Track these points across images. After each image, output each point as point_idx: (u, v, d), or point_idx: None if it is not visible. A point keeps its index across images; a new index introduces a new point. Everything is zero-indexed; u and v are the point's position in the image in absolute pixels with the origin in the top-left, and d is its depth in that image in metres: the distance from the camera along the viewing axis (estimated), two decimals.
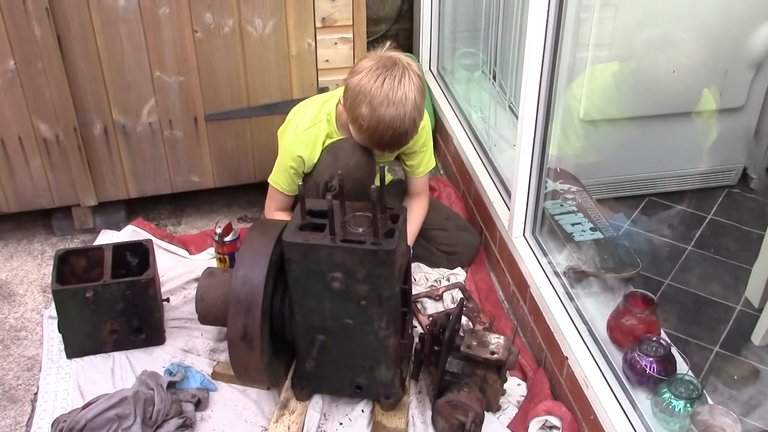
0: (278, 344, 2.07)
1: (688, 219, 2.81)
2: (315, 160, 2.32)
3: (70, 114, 2.50)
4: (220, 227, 2.47)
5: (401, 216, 1.94)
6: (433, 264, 2.57)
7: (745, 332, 2.29)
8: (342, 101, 2.21)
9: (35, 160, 2.57)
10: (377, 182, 1.92)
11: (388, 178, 2.72)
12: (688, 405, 1.78)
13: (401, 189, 2.62)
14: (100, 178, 2.67)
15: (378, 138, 2.14)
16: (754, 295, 2.37)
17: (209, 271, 2.15)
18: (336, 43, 2.66)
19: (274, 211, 2.42)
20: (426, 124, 2.40)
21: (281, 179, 2.38)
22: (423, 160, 2.46)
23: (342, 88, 2.23)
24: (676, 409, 1.78)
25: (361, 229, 1.89)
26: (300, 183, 1.92)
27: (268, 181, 2.41)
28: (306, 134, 2.31)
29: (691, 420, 1.73)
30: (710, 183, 2.91)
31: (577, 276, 2.23)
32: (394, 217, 1.94)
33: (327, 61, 2.68)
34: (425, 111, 2.33)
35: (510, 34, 2.81)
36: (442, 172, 3.15)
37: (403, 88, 2.10)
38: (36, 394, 2.18)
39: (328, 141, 2.32)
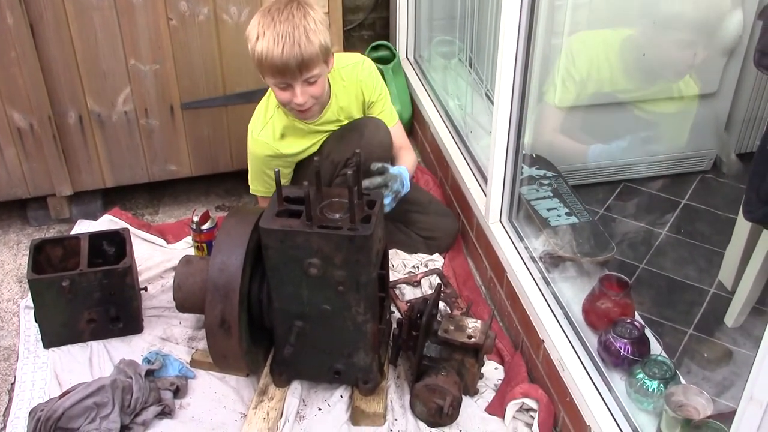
0: (256, 331, 2.07)
1: (662, 204, 2.83)
2: (291, 149, 2.34)
3: (44, 103, 2.48)
4: (197, 216, 2.46)
5: (378, 202, 1.95)
6: (411, 249, 2.59)
7: (719, 314, 2.33)
8: None
9: (9, 150, 2.55)
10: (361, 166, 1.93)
11: None
12: (661, 385, 1.81)
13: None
14: (75, 167, 2.65)
15: (275, 60, 2.09)
16: (727, 278, 2.41)
17: (186, 259, 2.15)
18: None
19: None
20: (372, 70, 2.41)
21: (260, 185, 2.42)
22: (385, 106, 2.45)
23: None
24: (650, 390, 1.81)
25: (338, 215, 1.89)
26: (277, 170, 1.92)
27: (251, 192, 2.46)
28: (263, 135, 2.32)
29: (665, 400, 1.76)
30: (684, 168, 2.94)
31: (553, 260, 2.26)
32: (370, 203, 1.95)
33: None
34: (367, 61, 2.39)
35: (486, 22, 2.82)
36: (419, 159, 3.16)
37: (290, 9, 2.11)
38: (13, 383, 2.17)
39: (294, 131, 2.33)
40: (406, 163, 2.45)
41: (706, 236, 2.65)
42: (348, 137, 2.31)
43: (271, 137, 2.32)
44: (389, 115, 2.47)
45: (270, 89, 2.30)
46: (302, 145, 2.36)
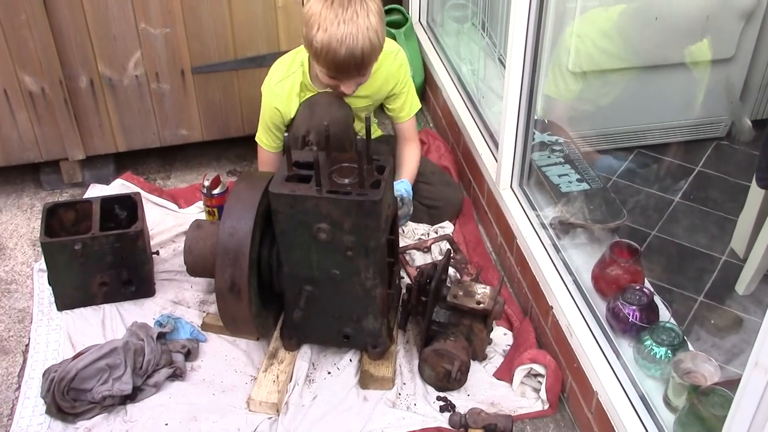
0: (266, 295, 2.09)
1: (675, 171, 2.81)
2: (292, 114, 2.33)
3: (55, 66, 2.48)
4: (208, 180, 2.47)
5: (387, 167, 1.94)
6: (414, 218, 2.57)
7: (730, 282, 2.32)
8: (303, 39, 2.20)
9: (21, 114, 2.56)
10: (363, 132, 1.91)
11: (377, 132, 2.71)
12: (669, 352, 1.81)
13: (392, 144, 2.62)
14: (87, 131, 2.66)
15: (333, 59, 2.11)
16: (740, 245, 2.39)
17: (197, 223, 2.16)
18: None
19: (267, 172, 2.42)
20: (403, 63, 2.41)
21: (264, 136, 2.41)
22: (406, 102, 2.46)
23: None
24: (658, 356, 1.81)
25: (347, 180, 1.89)
26: (286, 134, 1.92)
27: (255, 139, 2.43)
28: (279, 86, 2.32)
29: (672, 367, 1.76)
30: (699, 135, 2.91)
31: (563, 227, 2.25)
32: (380, 168, 1.94)
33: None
34: (401, 52, 2.38)
35: None
36: (431, 125, 3.14)
37: (354, 6, 2.09)
38: (27, 345, 2.20)
39: (303, 93, 2.33)
40: (408, 166, 2.48)
41: (719, 203, 2.63)
42: (300, 114, 2.31)
43: (286, 93, 2.31)
44: (408, 108, 2.48)
45: (303, 48, 2.29)
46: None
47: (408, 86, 2.45)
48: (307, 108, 2.29)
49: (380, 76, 2.37)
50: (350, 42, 2.08)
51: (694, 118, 2.87)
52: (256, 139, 2.44)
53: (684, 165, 2.83)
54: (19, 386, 2.08)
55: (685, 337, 1.89)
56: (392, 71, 2.39)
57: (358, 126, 2.48)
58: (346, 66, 2.14)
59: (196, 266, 2.12)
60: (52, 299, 2.29)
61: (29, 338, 2.22)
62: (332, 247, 1.91)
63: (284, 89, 2.31)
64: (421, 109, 3.18)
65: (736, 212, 2.41)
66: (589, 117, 2.75)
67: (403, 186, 2.42)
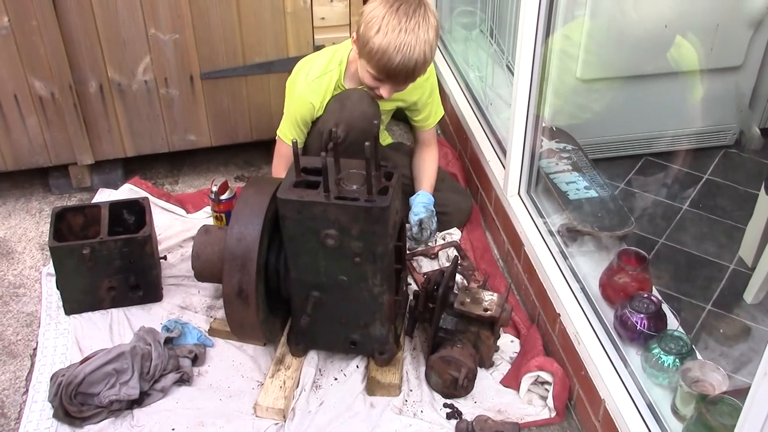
0: (274, 301, 2.09)
1: (684, 179, 2.81)
2: (321, 111, 2.33)
3: (65, 71, 2.49)
4: (216, 186, 2.47)
5: (395, 174, 1.94)
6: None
7: (738, 291, 2.31)
8: (354, 37, 2.21)
9: (31, 118, 2.57)
10: (379, 137, 1.92)
11: (387, 139, 2.72)
12: (677, 360, 1.81)
13: (403, 151, 2.62)
14: (96, 136, 2.67)
15: (386, 64, 2.12)
16: (748, 253, 2.38)
17: (205, 229, 2.17)
18: (332, 1, 2.64)
19: (283, 170, 2.40)
20: (431, 75, 2.42)
21: (289, 131, 2.38)
22: (431, 112, 2.49)
23: (349, 40, 2.25)
24: (666, 365, 1.81)
25: (355, 187, 1.90)
26: (295, 140, 1.92)
27: (277, 133, 2.41)
28: (317, 82, 2.31)
29: (680, 375, 1.76)
30: (707, 143, 2.91)
31: (570, 234, 2.25)
32: (388, 174, 1.94)
33: (323, 18, 2.66)
34: (431, 65, 2.35)
35: None
36: (439, 131, 3.14)
37: (417, 18, 2.11)
38: (35, 349, 2.20)
39: (336, 91, 2.33)
40: (428, 175, 2.51)
41: (727, 211, 2.63)
42: (330, 108, 2.31)
43: (323, 89, 2.31)
44: (433, 117, 2.50)
45: (343, 43, 2.31)
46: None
47: (434, 96, 2.47)
48: (338, 102, 2.29)
49: (409, 86, 2.37)
50: (407, 52, 2.10)
51: (702, 126, 2.86)
52: (279, 133, 2.40)
53: (692, 173, 2.83)
54: (27, 390, 2.08)
55: (693, 346, 1.88)
56: (420, 82, 2.37)
57: (381, 126, 2.49)
58: (396, 74, 2.15)
59: (203, 271, 2.12)
60: (60, 303, 2.29)
61: (37, 342, 2.22)
62: (340, 253, 1.91)
63: (322, 86, 2.31)
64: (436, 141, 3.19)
65: (745, 221, 2.41)
66: (597, 124, 2.75)
67: (422, 204, 2.44)
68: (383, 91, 2.23)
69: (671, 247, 2.49)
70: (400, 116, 2.64)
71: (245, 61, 2.64)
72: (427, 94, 2.44)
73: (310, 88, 2.31)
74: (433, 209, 2.47)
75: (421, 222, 2.43)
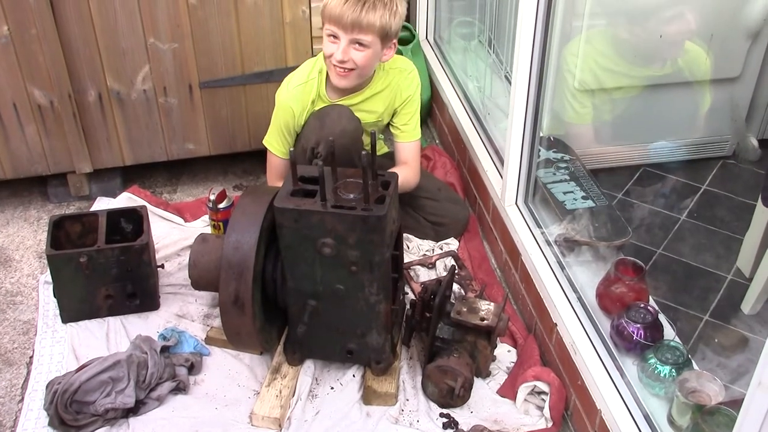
0: (270, 309, 2.09)
1: (682, 189, 2.81)
2: (302, 120, 2.35)
3: (64, 80, 2.50)
4: (213, 194, 2.47)
5: (392, 182, 1.95)
6: (420, 234, 2.58)
7: (735, 301, 2.31)
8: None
9: (30, 127, 2.58)
10: (368, 148, 1.92)
11: (383, 149, 2.72)
12: (673, 370, 1.80)
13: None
14: (95, 145, 2.67)
15: (335, 7, 2.16)
16: (745, 264, 2.38)
17: (202, 237, 2.17)
18: None
19: (277, 179, 2.44)
20: (416, 84, 2.44)
21: (274, 140, 2.41)
22: (410, 121, 2.45)
23: None
24: (662, 375, 1.80)
25: (352, 195, 1.90)
26: (291, 149, 1.93)
27: (263, 143, 2.44)
28: (299, 89, 2.34)
29: (677, 385, 1.75)
30: (705, 154, 2.91)
31: (568, 244, 2.25)
32: (385, 183, 1.95)
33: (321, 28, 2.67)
34: (415, 73, 2.42)
35: (507, 3, 2.79)
36: (437, 141, 3.15)
37: None
38: (31, 357, 2.20)
39: (317, 102, 2.35)
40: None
41: (725, 222, 2.62)
42: (310, 125, 2.33)
43: (303, 97, 2.34)
44: (411, 130, 2.47)
45: (321, 53, 2.33)
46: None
47: (416, 108, 2.46)
48: (317, 119, 2.30)
49: (391, 91, 2.40)
50: None
51: (700, 137, 2.87)
52: (265, 143, 2.44)
53: (690, 183, 2.82)
54: (23, 398, 2.08)
55: (690, 356, 1.88)
56: (403, 87, 2.41)
57: (365, 141, 2.49)
58: (342, 15, 2.16)
59: (200, 280, 2.13)
60: (57, 311, 2.29)
61: (33, 350, 2.22)
62: (337, 262, 1.91)
63: (302, 92, 2.34)
64: (427, 124, 3.21)
65: (742, 231, 2.41)
66: (595, 134, 2.75)
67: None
68: (339, 49, 2.21)
69: (669, 257, 2.48)
70: None
71: (244, 70, 2.65)
72: (411, 102, 2.43)
73: (291, 95, 2.34)
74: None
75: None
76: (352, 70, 2.24)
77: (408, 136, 2.47)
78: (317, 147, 2.24)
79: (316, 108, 2.35)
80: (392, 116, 2.47)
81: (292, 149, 1.93)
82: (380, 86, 2.38)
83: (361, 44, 2.20)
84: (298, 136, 2.38)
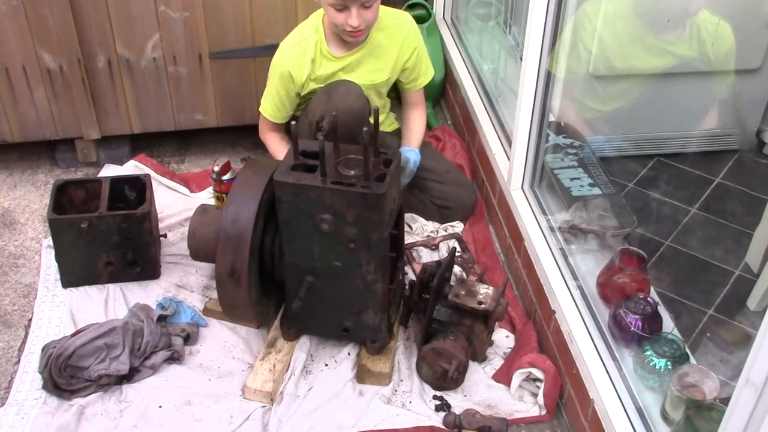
0: (268, 284, 2.08)
1: (695, 181, 2.76)
2: (303, 78, 2.34)
3: (74, 45, 2.49)
4: (218, 166, 2.46)
5: (394, 161, 1.92)
6: (425, 216, 2.56)
7: (741, 297, 2.26)
8: None
9: (39, 90, 2.58)
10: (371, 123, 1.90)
11: (393, 125, 2.69)
12: (669, 364, 1.77)
13: None
14: (103, 111, 2.67)
15: None
16: (754, 260, 2.34)
17: (203, 208, 2.16)
18: None
19: (269, 132, 2.49)
20: (416, 31, 2.46)
21: (269, 105, 2.42)
22: (420, 72, 2.51)
23: (320, 9, 2.31)
24: (657, 367, 1.78)
25: (352, 172, 1.88)
26: (294, 123, 1.91)
27: (259, 110, 2.45)
28: (293, 49, 2.34)
29: (671, 379, 1.72)
30: (722, 146, 2.85)
31: (572, 231, 2.21)
32: (386, 161, 1.92)
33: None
34: (413, 23, 2.44)
35: None
36: (449, 122, 3.12)
37: None
38: (30, 320, 2.21)
39: (319, 58, 2.34)
40: (417, 131, 2.54)
41: (736, 216, 2.57)
42: (318, 97, 2.33)
43: (298, 56, 2.33)
44: (423, 77, 2.53)
45: (315, 14, 2.34)
46: (313, 84, 2.38)
47: (422, 54, 2.49)
48: (325, 93, 2.29)
49: (396, 43, 2.41)
50: None
51: (717, 129, 2.81)
52: (260, 109, 2.45)
53: (704, 176, 2.77)
54: (19, 360, 2.09)
55: (688, 350, 1.85)
56: (408, 39, 2.42)
57: (378, 103, 2.50)
58: None
59: (199, 251, 2.12)
60: (58, 276, 2.30)
61: (33, 313, 2.23)
62: (334, 238, 1.90)
63: (297, 52, 2.33)
64: (440, 105, 3.17)
65: (754, 226, 2.36)
66: (608, 122, 2.71)
67: (412, 156, 2.45)
68: (351, 18, 2.21)
69: (676, 249, 2.44)
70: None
71: (255, 42, 2.63)
72: (417, 54, 2.46)
73: (285, 56, 2.34)
74: (414, 169, 2.46)
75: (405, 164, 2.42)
76: (365, 27, 2.27)
77: (421, 83, 2.54)
78: (321, 121, 2.21)
79: (317, 67, 2.35)
80: (402, 72, 2.47)
81: (294, 123, 1.90)
82: (382, 39, 2.39)
83: (367, 5, 2.22)
84: (305, 110, 2.36)
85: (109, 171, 2.71)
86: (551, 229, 2.20)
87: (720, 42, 2.49)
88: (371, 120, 2.42)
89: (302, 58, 2.32)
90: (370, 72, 2.38)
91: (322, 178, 1.85)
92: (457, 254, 2.39)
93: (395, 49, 2.41)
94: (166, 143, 2.95)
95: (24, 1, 2.40)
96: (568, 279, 2.05)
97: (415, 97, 2.56)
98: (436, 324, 2.07)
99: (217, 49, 2.62)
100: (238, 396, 2.01)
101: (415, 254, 2.45)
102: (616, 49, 2.55)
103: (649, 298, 1.91)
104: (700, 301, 2.27)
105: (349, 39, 2.30)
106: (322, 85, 2.35)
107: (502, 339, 2.18)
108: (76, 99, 2.60)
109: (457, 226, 2.55)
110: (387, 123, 2.63)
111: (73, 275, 2.28)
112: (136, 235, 2.24)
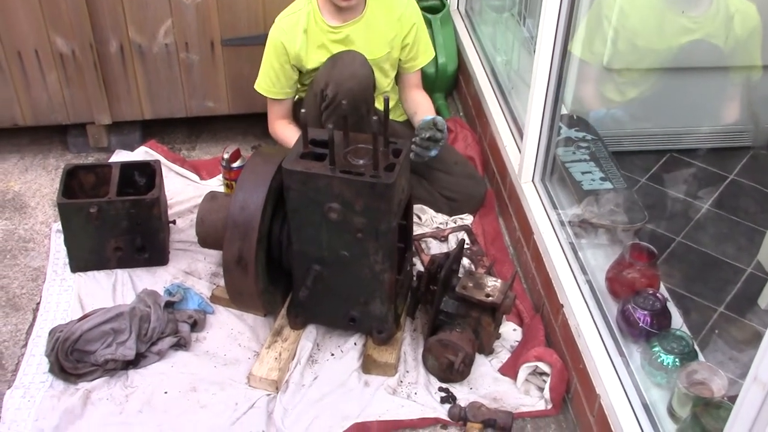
0: (276, 272, 2.07)
1: (708, 177, 2.73)
2: (298, 48, 2.34)
3: (86, 30, 2.49)
4: (227, 153, 2.46)
5: (404, 151, 1.91)
6: (434, 208, 2.55)
7: (753, 295, 2.24)
8: None
9: (51, 75, 2.58)
10: (381, 112, 1.89)
11: (404, 116, 2.68)
12: (677, 360, 1.76)
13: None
14: (115, 97, 2.67)
15: None
16: (767, 258, 2.31)
17: (211, 195, 2.16)
18: None
19: (275, 121, 2.50)
20: (415, 6, 2.47)
21: (263, 79, 2.43)
22: (420, 48, 2.51)
23: None
24: (665, 364, 1.76)
25: (362, 161, 1.87)
26: (303, 111, 1.90)
27: (255, 88, 2.46)
28: (285, 20, 2.35)
29: (678, 376, 1.71)
30: (735, 142, 2.82)
31: (582, 225, 2.20)
32: (396, 151, 1.91)
33: None
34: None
35: None
36: (461, 114, 3.10)
37: None
38: (38, 303, 2.22)
39: (313, 28, 2.34)
40: (427, 103, 2.54)
41: (750, 213, 2.55)
42: (322, 68, 2.33)
43: (291, 26, 2.34)
44: (423, 55, 2.54)
45: None
46: (309, 54, 2.38)
47: (422, 32, 2.49)
48: (330, 61, 2.31)
49: (393, 15, 2.41)
50: None
51: (732, 125, 2.78)
52: (255, 87, 2.46)
53: (718, 172, 2.75)
54: (26, 343, 2.10)
55: (697, 347, 1.83)
56: (406, 14, 2.43)
57: (385, 83, 2.48)
58: None
59: (207, 238, 2.12)
60: (67, 260, 2.30)
61: (41, 297, 2.24)
62: (343, 227, 1.89)
63: (289, 23, 2.34)
64: (452, 96, 3.15)
65: (767, 224, 2.33)
66: (622, 116, 2.68)
67: (439, 117, 2.41)
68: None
69: (688, 245, 2.42)
70: None
71: (267, 29, 2.59)
72: (416, 28, 2.47)
73: (278, 27, 2.35)
74: (445, 130, 2.42)
75: (435, 123, 2.35)
76: None
77: (422, 62, 2.54)
78: (326, 89, 2.21)
79: (311, 37, 2.35)
80: (401, 51, 2.47)
81: (303, 111, 1.89)
82: (379, 11, 2.39)
83: None
84: (311, 83, 2.35)
85: (121, 156, 2.71)
86: (561, 222, 2.18)
87: (746, 19, 2.46)
88: (377, 102, 2.41)
89: (295, 28, 2.33)
90: (367, 45, 2.37)
91: (331, 166, 1.84)
92: (466, 246, 2.38)
93: (393, 22, 2.41)
94: (178, 130, 2.95)
95: None
96: (577, 273, 2.04)
97: (414, 78, 2.57)
98: (443, 316, 2.06)
99: (229, 36, 2.61)
100: (243, 384, 2.01)
101: (423, 245, 2.44)
102: (639, 27, 2.50)
103: (658, 294, 1.89)
104: (710, 298, 2.25)
105: (341, 4, 2.29)
106: (311, 67, 2.37)
107: (510, 332, 2.17)
108: (88, 84, 2.60)
109: (467, 218, 2.54)
110: (398, 113, 2.61)
111: (81, 260, 2.28)
112: (145, 221, 2.24)
